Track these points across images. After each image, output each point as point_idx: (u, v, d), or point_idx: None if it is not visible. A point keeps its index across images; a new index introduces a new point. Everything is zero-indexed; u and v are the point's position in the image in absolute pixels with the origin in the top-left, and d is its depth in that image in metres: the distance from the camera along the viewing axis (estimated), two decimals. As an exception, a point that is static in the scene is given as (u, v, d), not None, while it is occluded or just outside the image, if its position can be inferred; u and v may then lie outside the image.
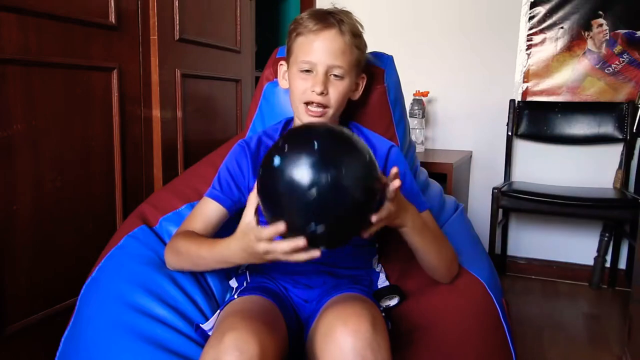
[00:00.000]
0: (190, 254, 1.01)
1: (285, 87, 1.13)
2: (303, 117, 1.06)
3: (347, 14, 1.06)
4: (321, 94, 1.02)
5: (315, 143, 0.76)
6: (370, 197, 0.80)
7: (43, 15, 1.31)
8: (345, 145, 0.78)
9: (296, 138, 0.80)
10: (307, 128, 0.84)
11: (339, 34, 1.02)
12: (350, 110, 1.19)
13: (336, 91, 1.04)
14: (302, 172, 0.74)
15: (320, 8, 1.07)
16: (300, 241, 0.77)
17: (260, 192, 0.81)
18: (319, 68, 1.02)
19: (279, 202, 0.77)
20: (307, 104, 1.04)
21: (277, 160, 0.76)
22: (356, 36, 1.05)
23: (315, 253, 0.79)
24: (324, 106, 1.04)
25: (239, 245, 0.88)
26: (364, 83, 1.15)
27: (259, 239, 0.81)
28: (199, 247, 0.99)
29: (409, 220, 0.94)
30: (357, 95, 1.13)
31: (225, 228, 1.07)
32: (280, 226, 0.77)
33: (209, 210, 1.06)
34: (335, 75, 1.03)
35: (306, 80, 1.03)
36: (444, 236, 1.10)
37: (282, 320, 0.95)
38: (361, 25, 1.08)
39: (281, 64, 1.13)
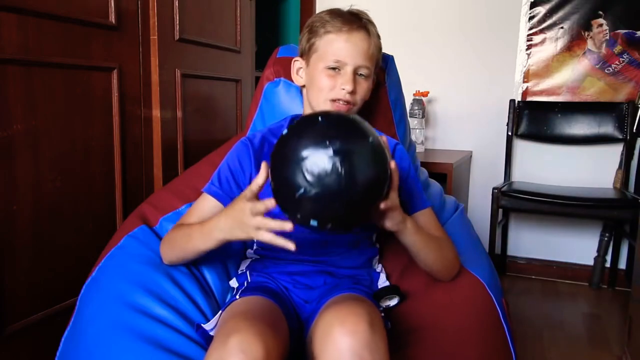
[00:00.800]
0: (183, 234, 1.03)
1: (300, 84, 1.13)
2: None
3: (368, 15, 1.08)
4: (350, 92, 1.04)
5: (320, 118, 0.82)
6: (371, 184, 0.81)
7: (43, 15, 1.31)
8: (350, 128, 0.82)
9: (307, 116, 0.87)
10: (321, 111, 0.89)
11: (368, 36, 1.05)
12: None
13: (362, 90, 1.07)
14: (301, 142, 0.80)
15: (339, 8, 1.08)
16: (287, 225, 0.83)
17: (270, 160, 0.86)
18: (348, 67, 1.04)
19: (278, 166, 0.83)
20: (333, 100, 1.05)
21: (285, 131, 0.85)
22: (379, 38, 1.09)
23: (290, 245, 0.84)
24: (351, 103, 1.06)
25: (231, 209, 0.92)
26: (374, 84, 1.16)
27: (248, 199, 0.86)
28: (191, 226, 1.02)
29: (408, 222, 0.95)
30: (369, 94, 1.14)
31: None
32: (270, 202, 0.84)
33: (207, 206, 1.07)
34: (361, 75, 1.06)
35: (334, 77, 1.04)
36: (445, 234, 1.10)
37: (284, 320, 0.95)
38: None
39: (296, 60, 1.13)
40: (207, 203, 1.07)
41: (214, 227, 0.95)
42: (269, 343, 0.81)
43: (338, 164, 0.77)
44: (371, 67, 1.07)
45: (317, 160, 0.78)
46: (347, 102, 1.05)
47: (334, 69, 1.04)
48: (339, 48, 1.03)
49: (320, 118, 0.82)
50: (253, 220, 0.86)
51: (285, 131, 0.84)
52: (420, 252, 1.01)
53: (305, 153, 0.79)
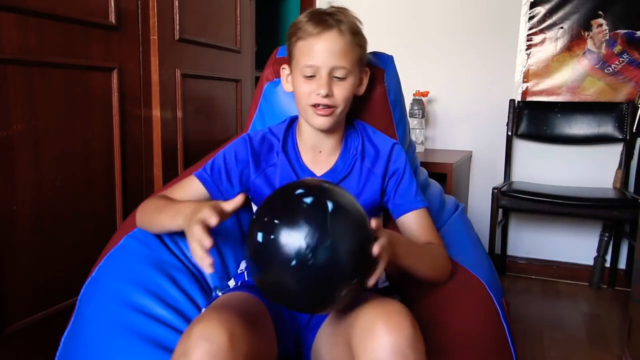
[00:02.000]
0: (157, 206, 1.05)
1: (289, 90, 1.11)
2: (312, 118, 1.05)
3: (345, 11, 1.05)
4: (326, 96, 1.01)
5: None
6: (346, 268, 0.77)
7: (43, 15, 1.31)
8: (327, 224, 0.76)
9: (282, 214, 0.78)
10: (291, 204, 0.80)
11: (339, 35, 1.01)
12: (351, 109, 1.19)
13: (341, 91, 1.04)
14: (286, 250, 0.75)
15: (318, 8, 1.06)
16: (206, 241, 0.83)
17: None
18: (322, 71, 1.01)
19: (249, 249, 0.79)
20: (314, 105, 1.03)
21: (259, 237, 0.77)
22: (356, 34, 1.04)
23: (207, 268, 0.81)
24: (331, 107, 1.03)
25: (200, 205, 0.91)
26: (368, 76, 1.14)
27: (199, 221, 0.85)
28: (168, 201, 1.05)
29: (396, 248, 0.91)
30: (362, 89, 1.13)
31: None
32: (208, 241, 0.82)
33: (192, 188, 1.09)
34: (337, 77, 1.03)
35: (310, 83, 1.02)
36: (437, 237, 1.10)
37: (268, 315, 0.94)
38: (359, 21, 1.07)
39: (284, 68, 1.12)
40: (193, 185, 1.09)
41: (180, 211, 0.96)
42: (235, 330, 0.77)
43: (309, 256, 0.74)
44: (348, 66, 1.03)
45: (284, 252, 0.74)
46: (327, 106, 1.02)
47: (310, 76, 1.02)
48: (310, 53, 1.01)
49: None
50: (194, 226, 0.84)
51: (259, 237, 0.77)
52: (414, 270, 1.00)
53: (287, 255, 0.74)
